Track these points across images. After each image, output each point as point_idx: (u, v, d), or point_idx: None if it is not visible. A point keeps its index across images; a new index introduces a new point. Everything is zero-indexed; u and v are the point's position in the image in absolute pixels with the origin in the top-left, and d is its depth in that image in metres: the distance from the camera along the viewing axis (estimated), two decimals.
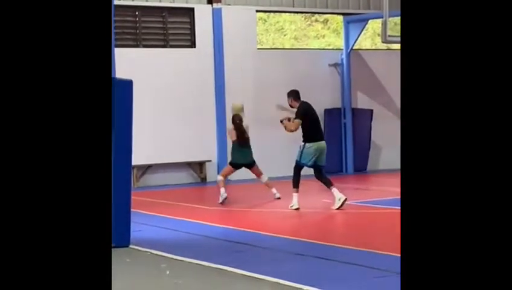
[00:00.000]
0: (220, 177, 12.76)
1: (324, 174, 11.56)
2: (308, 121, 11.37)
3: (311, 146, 11.27)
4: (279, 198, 12.55)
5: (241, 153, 12.61)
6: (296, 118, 11.41)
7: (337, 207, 11.12)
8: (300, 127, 11.39)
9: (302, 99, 11.65)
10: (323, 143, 11.39)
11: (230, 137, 12.77)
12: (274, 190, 12.69)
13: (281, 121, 11.59)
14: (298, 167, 11.42)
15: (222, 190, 12.52)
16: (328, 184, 11.37)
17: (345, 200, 11.15)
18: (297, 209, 11.27)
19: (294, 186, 11.37)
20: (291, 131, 11.61)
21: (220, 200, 12.48)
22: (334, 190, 11.25)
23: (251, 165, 12.70)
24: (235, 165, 12.73)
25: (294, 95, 11.66)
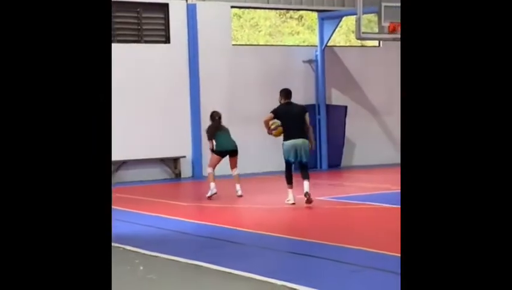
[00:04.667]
0: (209, 170, 12.71)
1: (306, 169, 11.48)
2: (284, 120, 11.50)
3: (286, 143, 11.41)
4: (240, 196, 12.57)
5: (227, 139, 12.70)
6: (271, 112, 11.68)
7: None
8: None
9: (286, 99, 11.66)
10: (297, 140, 11.37)
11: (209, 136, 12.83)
12: (238, 186, 12.70)
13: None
14: (286, 164, 11.58)
15: (212, 184, 12.48)
16: (306, 176, 11.35)
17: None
18: (293, 204, 11.31)
19: (287, 183, 11.52)
20: (265, 124, 11.62)
21: (209, 194, 12.46)
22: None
23: (235, 152, 12.72)
24: (221, 153, 12.71)
25: (282, 93, 11.84)
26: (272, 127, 11.55)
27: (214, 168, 12.67)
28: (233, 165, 12.78)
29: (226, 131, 12.84)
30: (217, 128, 12.79)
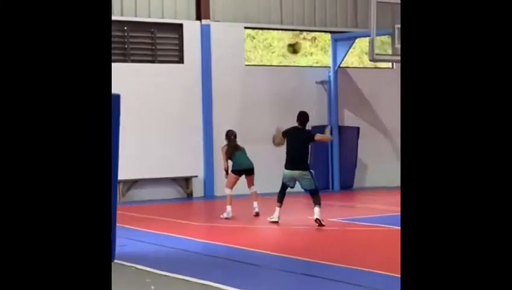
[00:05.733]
0: (228, 191, 12.67)
1: (314, 195, 11.51)
2: (288, 145, 11.76)
3: (285, 172, 11.66)
4: (257, 213, 12.55)
5: (244, 158, 12.69)
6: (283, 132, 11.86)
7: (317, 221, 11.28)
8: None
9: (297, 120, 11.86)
10: (294, 172, 11.49)
11: (224, 153, 12.83)
12: (255, 204, 12.68)
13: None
14: (282, 185, 11.77)
15: (229, 208, 12.46)
16: (316, 202, 11.38)
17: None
18: (276, 222, 11.55)
19: (277, 201, 11.72)
20: (275, 141, 11.92)
21: (224, 216, 12.42)
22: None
23: (252, 171, 12.69)
24: (238, 172, 12.70)
25: (298, 116, 11.89)
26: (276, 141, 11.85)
27: (231, 188, 12.63)
28: (250, 183, 12.77)
29: (242, 150, 12.84)
30: (234, 148, 12.79)
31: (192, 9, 17.32)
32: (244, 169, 12.66)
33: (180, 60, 17.31)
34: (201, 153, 17.26)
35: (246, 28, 18.10)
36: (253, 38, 18.99)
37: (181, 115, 17.08)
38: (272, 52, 19.36)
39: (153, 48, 17.14)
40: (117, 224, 8.54)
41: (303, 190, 11.93)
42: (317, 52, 19.71)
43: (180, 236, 10.59)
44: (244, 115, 17.56)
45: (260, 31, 18.86)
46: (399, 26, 15.04)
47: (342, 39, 18.31)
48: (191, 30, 17.22)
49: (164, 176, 16.92)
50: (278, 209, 11.63)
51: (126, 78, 16.08)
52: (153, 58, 17.15)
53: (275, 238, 10.53)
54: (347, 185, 18.58)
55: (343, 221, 12.09)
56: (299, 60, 19.45)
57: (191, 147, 17.20)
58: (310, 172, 11.59)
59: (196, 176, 17.21)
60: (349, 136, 18.65)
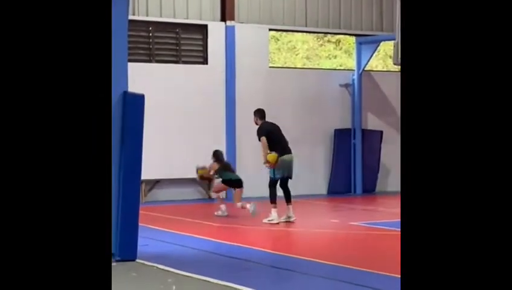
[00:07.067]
0: (215, 195, 13.42)
1: (288, 187, 12.25)
2: (274, 137, 12.17)
3: (284, 158, 11.96)
4: (244, 207, 12.81)
5: (232, 175, 13.32)
6: (260, 137, 12.11)
7: (265, 221, 11.90)
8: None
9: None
10: (290, 156, 12.11)
11: (212, 170, 13.44)
12: (240, 204, 12.91)
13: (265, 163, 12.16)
14: (274, 182, 12.10)
15: (223, 207, 13.12)
16: (288, 199, 12.08)
17: (277, 223, 11.79)
18: (277, 223, 11.85)
19: (272, 202, 12.01)
20: (267, 154, 11.95)
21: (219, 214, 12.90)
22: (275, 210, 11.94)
23: (241, 183, 13.13)
24: (227, 182, 13.28)
25: (258, 114, 12.52)
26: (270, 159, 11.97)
27: (217, 192, 13.37)
28: (238, 198, 13.08)
29: (232, 170, 13.52)
30: (225, 166, 13.40)
31: (217, 11, 17.35)
32: (235, 180, 13.11)
33: (204, 61, 17.34)
34: (224, 155, 17.25)
35: (270, 30, 18.10)
36: (278, 40, 18.98)
37: (204, 116, 17.10)
38: (296, 55, 19.33)
39: (178, 48, 17.19)
40: (139, 224, 8.56)
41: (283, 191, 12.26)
42: (341, 55, 19.66)
43: (202, 237, 10.60)
44: (267, 117, 17.52)
45: (284, 33, 18.86)
46: None
47: (367, 42, 18.25)
48: (216, 31, 17.25)
49: (186, 177, 16.95)
50: (275, 210, 11.93)
51: (150, 78, 16.14)
52: (177, 58, 17.20)
53: (296, 241, 10.51)
54: (369, 189, 18.51)
55: (365, 225, 12.04)
56: (323, 62, 19.41)
57: (214, 148, 17.19)
58: None
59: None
60: (372, 140, 18.58)
